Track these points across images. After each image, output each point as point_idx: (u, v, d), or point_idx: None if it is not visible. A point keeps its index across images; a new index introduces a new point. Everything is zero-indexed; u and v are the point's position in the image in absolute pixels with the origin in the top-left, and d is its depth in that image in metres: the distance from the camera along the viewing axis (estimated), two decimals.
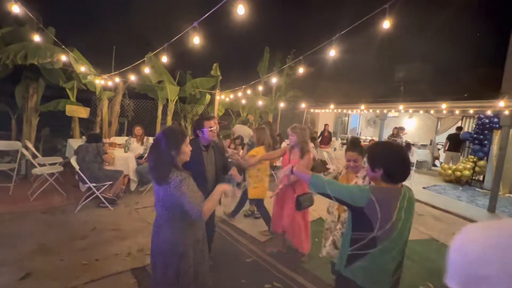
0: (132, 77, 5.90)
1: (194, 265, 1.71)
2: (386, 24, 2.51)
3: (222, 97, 8.37)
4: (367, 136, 12.50)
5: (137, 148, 5.37)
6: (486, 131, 7.47)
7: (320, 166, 5.75)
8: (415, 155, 7.83)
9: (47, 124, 6.59)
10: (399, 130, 7.79)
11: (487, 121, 7.41)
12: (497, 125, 6.99)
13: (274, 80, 7.26)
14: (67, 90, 6.37)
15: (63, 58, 5.13)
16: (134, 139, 5.52)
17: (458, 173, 7.33)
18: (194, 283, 1.72)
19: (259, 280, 2.66)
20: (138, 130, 5.60)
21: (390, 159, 1.36)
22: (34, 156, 4.98)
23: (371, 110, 9.40)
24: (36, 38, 4.09)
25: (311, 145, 3.76)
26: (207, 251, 1.89)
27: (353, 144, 2.30)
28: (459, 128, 8.51)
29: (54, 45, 5.30)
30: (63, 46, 5.04)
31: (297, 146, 2.95)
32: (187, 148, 1.68)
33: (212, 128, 2.41)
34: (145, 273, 2.66)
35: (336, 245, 2.23)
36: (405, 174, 1.37)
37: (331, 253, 2.30)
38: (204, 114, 9.08)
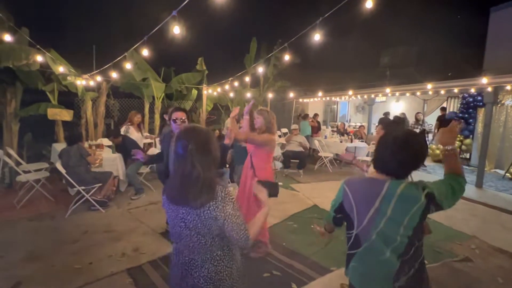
0: (114, 75, 5.71)
1: None
2: (369, 3, 2.48)
3: (210, 91, 8.25)
4: (357, 122, 12.64)
5: (139, 139, 5.07)
6: (471, 110, 7.64)
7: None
8: None
9: (29, 130, 6.35)
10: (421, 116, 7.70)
11: (471, 99, 7.58)
12: (480, 103, 7.16)
13: (260, 69, 7.18)
14: (47, 93, 6.13)
15: (39, 59, 4.92)
16: (133, 127, 5.12)
17: None
18: None
19: (258, 270, 2.65)
20: (138, 117, 5.20)
21: (379, 147, 1.26)
22: (18, 163, 4.80)
23: (359, 96, 9.45)
24: (7, 37, 3.88)
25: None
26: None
27: (391, 121, 2.15)
28: (443, 109, 8.68)
29: (29, 46, 5.07)
30: (38, 46, 4.81)
31: (261, 129, 2.88)
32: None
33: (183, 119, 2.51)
34: (142, 272, 2.61)
35: None
36: (387, 164, 1.22)
37: None
38: (193, 110, 8.97)
